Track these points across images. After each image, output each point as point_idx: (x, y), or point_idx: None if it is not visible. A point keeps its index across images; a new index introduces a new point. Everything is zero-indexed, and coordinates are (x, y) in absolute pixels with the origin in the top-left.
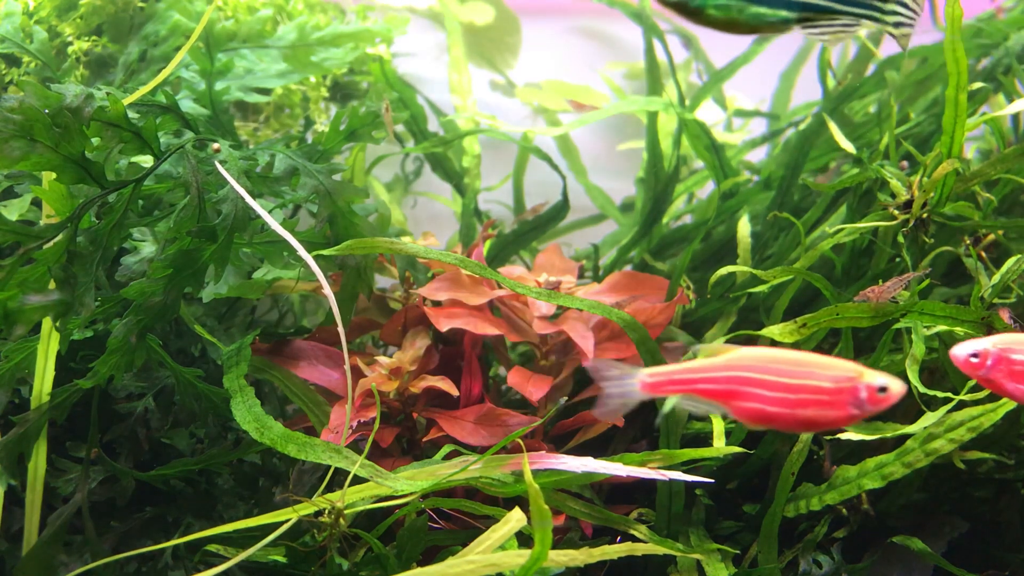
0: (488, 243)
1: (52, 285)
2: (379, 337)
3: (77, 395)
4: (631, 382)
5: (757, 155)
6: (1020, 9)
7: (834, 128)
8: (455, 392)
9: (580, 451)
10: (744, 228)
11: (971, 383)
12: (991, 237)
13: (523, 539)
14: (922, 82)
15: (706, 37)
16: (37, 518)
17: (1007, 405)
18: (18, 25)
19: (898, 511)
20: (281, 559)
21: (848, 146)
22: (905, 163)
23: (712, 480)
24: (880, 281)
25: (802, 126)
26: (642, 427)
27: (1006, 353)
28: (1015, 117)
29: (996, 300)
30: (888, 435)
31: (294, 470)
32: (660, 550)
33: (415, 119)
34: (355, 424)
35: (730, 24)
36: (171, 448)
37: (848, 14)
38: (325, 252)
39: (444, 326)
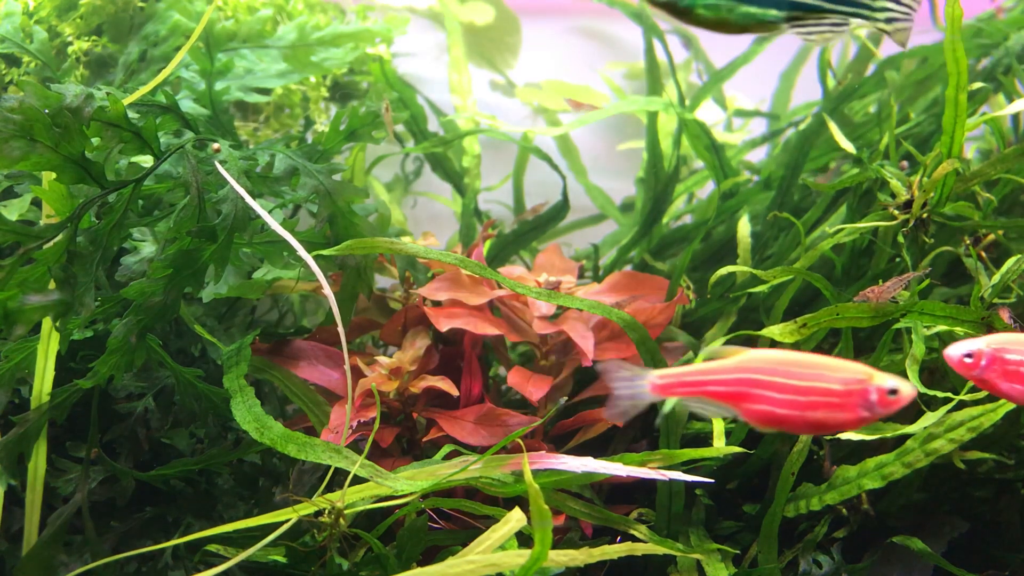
0: (488, 243)
1: (52, 285)
2: (379, 337)
3: (77, 395)
4: (641, 384)
5: (757, 155)
6: (1020, 9)
7: (834, 128)
8: (455, 392)
9: (580, 451)
10: (744, 228)
11: (971, 383)
12: (991, 237)
13: (523, 539)
14: (922, 82)
15: (706, 37)
16: (37, 518)
17: (1007, 405)
18: (18, 25)
19: (898, 511)
20: (281, 559)
21: (848, 146)
22: (905, 163)
23: (712, 480)
24: (880, 281)
25: (802, 126)
26: (642, 427)
27: (1000, 353)
28: (1015, 117)
29: (996, 300)
30: (888, 435)
31: (294, 470)
32: (660, 550)
33: (415, 119)
34: (355, 424)
35: (720, 24)
36: (171, 448)
37: (837, 12)
38: (325, 252)
39: (444, 326)
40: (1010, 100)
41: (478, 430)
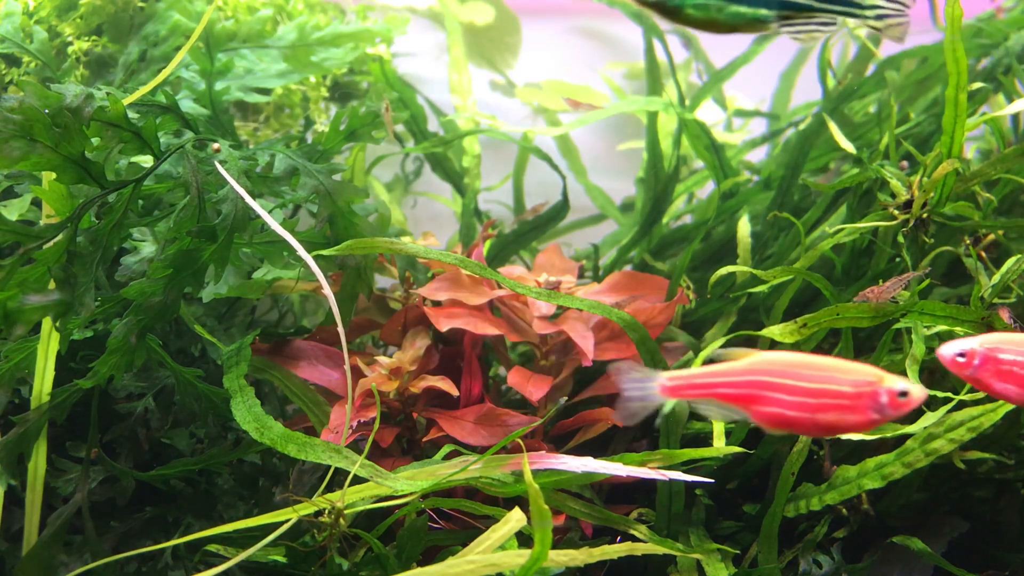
0: (488, 243)
1: (52, 285)
2: (379, 337)
3: (77, 395)
4: (651, 385)
5: (757, 155)
6: (1020, 9)
7: (834, 128)
8: (455, 392)
9: (580, 451)
10: (744, 228)
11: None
12: (991, 237)
13: (523, 539)
14: (922, 82)
15: (706, 37)
16: (37, 518)
17: (1007, 405)
18: (18, 25)
19: (898, 511)
20: (281, 559)
21: (848, 146)
22: (905, 163)
23: (712, 480)
24: (880, 281)
25: (802, 126)
26: (642, 427)
27: (993, 353)
28: (1015, 117)
29: (996, 300)
30: (888, 435)
31: (294, 470)
32: (660, 550)
33: (415, 119)
34: (355, 424)
35: (709, 23)
36: (171, 448)
37: (826, 11)
38: (325, 252)
39: (444, 326)
40: (1010, 100)
41: (478, 430)
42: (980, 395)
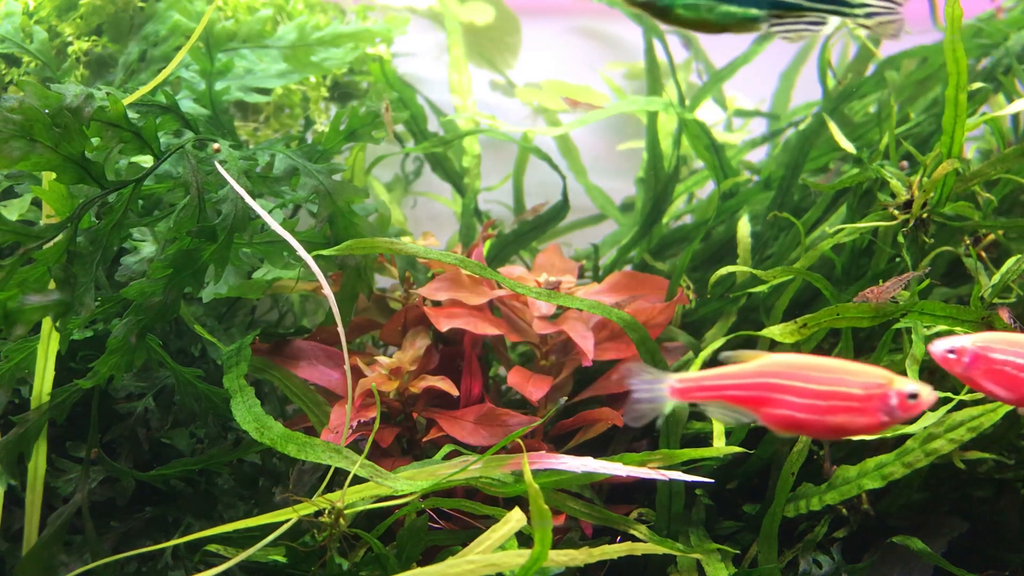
0: (488, 243)
1: (52, 285)
2: (379, 337)
3: (77, 395)
4: (661, 387)
5: (757, 155)
6: (1020, 9)
7: (834, 128)
8: (455, 392)
9: (580, 451)
10: (744, 228)
11: None
12: (991, 237)
13: (523, 539)
14: (922, 82)
15: (706, 37)
16: (37, 518)
17: (1007, 405)
18: (18, 25)
19: (898, 511)
20: (281, 559)
21: (848, 146)
22: (905, 163)
23: (712, 480)
24: (880, 281)
25: (802, 126)
26: (642, 427)
27: (984, 351)
28: (1015, 117)
29: (996, 300)
30: (888, 435)
31: (294, 470)
32: (660, 550)
33: (415, 119)
34: (355, 424)
35: (699, 23)
36: (171, 448)
37: (816, 10)
38: (325, 252)
39: (444, 326)
40: (1010, 100)
41: (478, 430)
42: (980, 395)
